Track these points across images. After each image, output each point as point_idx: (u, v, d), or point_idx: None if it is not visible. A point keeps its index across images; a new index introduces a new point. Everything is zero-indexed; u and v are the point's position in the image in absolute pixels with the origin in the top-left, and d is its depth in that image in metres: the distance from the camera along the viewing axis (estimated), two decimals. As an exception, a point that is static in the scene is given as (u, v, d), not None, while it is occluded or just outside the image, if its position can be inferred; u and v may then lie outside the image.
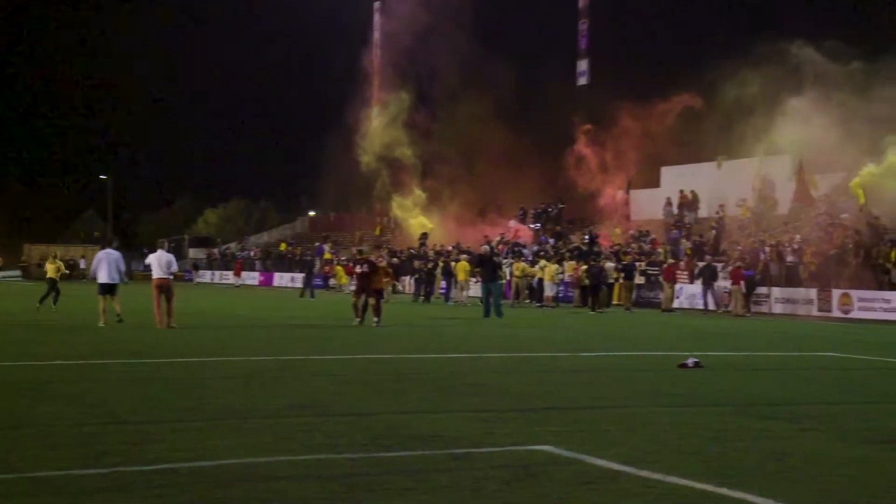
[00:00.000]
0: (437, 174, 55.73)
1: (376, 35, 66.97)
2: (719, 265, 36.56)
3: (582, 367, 15.13)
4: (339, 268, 49.74)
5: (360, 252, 26.43)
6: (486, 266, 30.34)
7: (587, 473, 7.37)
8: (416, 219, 54.71)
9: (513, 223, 52.25)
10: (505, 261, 39.69)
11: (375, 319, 23.25)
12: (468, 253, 43.31)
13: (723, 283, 35.59)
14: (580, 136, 51.11)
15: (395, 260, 51.12)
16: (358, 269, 24.69)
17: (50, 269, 29.03)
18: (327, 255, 58.23)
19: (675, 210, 47.25)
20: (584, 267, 37.23)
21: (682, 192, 47.55)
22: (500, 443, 8.45)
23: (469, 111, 52.14)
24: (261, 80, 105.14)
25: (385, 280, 25.06)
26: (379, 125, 57.01)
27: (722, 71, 40.33)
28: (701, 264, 36.62)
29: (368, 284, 23.77)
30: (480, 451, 8.09)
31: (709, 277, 35.47)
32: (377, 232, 64.50)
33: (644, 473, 7.27)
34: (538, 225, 50.92)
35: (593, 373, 14.42)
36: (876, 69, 34.44)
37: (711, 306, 34.99)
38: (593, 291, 35.54)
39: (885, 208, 35.80)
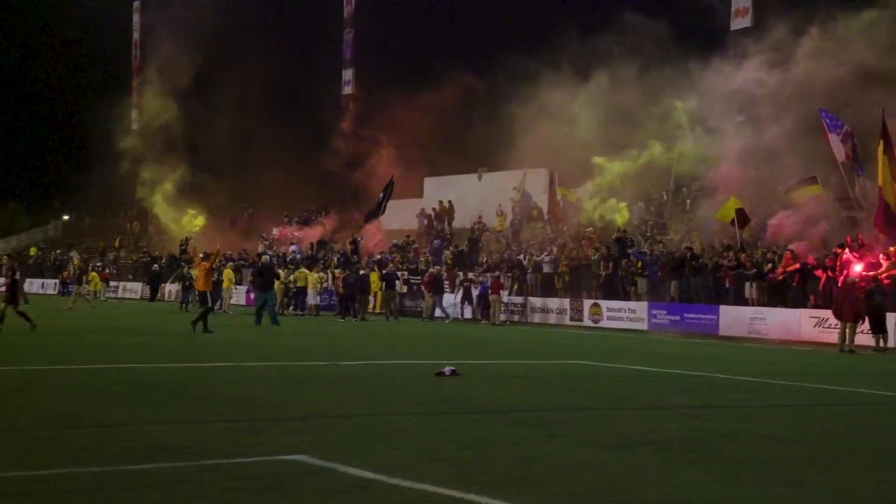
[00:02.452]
0: (204, 164, 54.37)
1: (136, 35, 65.59)
2: (480, 274, 37.53)
3: (340, 376, 15.14)
4: (94, 274, 47.94)
5: (9, 258, 26.38)
6: (265, 275, 30.25)
7: (339, 482, 7.38)
8: (184, 218, 53.10)
9: (277, 230, 51.85)
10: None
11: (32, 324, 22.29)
12: (232, 260, 42.70)
13: (450, 296, 36.97)
14: (343, 129, 51.40)
15: (155, 266, 49.79)
16: (6, 278, 24.49)
17: None
18: (76, 262, 56.23)
19: (426, 220, 48.35)
20: (342, 275, 37.56)
21: (440, 202, 48.66)
22: (252, 453, 8.33)
23: (233, 109, 51.26)
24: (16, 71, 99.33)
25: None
26: (143, 98, 55.37)
27: (491, 83, 41.41)
28: (432, 273, 37.62)
29: (15, 293, 23.16)
30: (232, 462, 7.96)
31: (438, 289, 36.52)
32: (116, 244, 62.42)
33: (395, 481, 7.34)
34: (302, 232, 50.71)
35: (351, 381, 14.46)
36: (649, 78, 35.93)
37: (441, 314, 36.05)
38: (349, 300, 35.96)
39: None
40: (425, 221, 48.38)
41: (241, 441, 8.86)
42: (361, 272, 37.04)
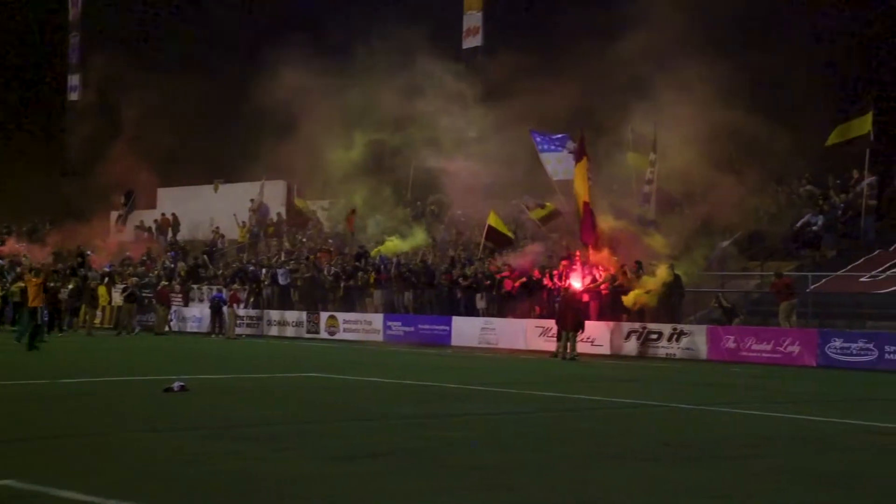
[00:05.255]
0: None
1: None
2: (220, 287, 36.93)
3: (60, 395, 14.48)
4: None
5: None
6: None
7: (51, 507, 7.11)
8: None
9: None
10: None
11: None
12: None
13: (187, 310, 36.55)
14: (72, 138, 49.32)
15: None
16: None
17: None
18: None
19: (145, 233, 47.35)
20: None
21: (163, 214, 47.74)
22: (-43, 480, 7.87)
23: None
24: None
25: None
26: None
27: (228, 89, 40.67)
28: (121, 287, 36.85)
29: None
30: (-67, 491, 7.50)
31: (132, 300, 35.84)
32: None
33: (112, 502, 7.12)
34: (23, 244, 48.07)
35: (72, 400, 13.86)
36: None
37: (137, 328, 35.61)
38: (55, 313, 34.95)
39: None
40: (145, 234, 47.26)
41: (-56, 467, 8.36)
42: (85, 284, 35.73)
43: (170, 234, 47.26)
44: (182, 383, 14.60)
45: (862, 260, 28.40)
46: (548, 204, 33.15)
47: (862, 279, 27.20)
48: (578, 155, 29.59)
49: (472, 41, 40.90)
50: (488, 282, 31.35)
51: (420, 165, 38.34)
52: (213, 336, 34.65)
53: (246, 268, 38.74)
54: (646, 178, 31.92)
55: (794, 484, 8.49)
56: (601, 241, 29.01)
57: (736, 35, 31.50)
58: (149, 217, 49.73)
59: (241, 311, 35.76)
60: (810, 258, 29.94)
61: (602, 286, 28.42)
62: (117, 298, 37.05)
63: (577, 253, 29.32)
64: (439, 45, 36.73)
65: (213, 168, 47.02)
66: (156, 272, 40.08)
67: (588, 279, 28.43)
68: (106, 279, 38.40)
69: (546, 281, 29.60)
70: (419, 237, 37.01)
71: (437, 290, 32.92)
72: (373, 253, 35.83)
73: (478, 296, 31.47)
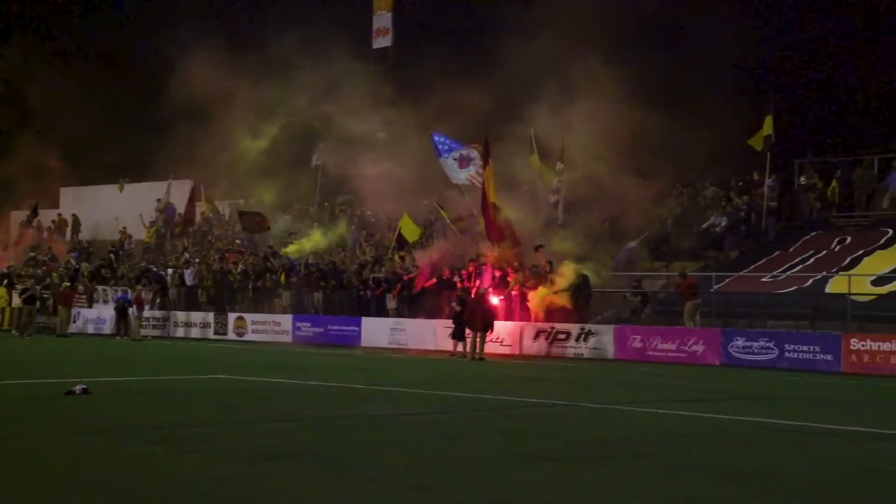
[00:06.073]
0: None
1: None
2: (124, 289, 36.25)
3: (-42, 399, 14.07)
4: None
5: None
6: None
7: (-55, 514, 6.87)
8: None
9: None
10: None
11: None
12: None
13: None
14: None
15: None
16: None
17: None
18: None
19: (45, 233, 46.44)
20: None
21: (59, 214, 46.80)
22: None
23: None
24: None
25: None
26: None
27: (132, 85, 39.91)
28: (20, 288, 36.07)
29: None
30: None
31: (31, 301, 34.96)
32: None
33: (10, 509, 6.94)
34: None
35: (-30, 404, 13.48)
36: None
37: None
38: None
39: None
40: (44, 234, 46.25)
41: None
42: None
43: (69, 234, 46.25)
44: (84, 386, 14.27)
45: (763, 260, 29.03)
46: (462, 216, 33.29)
47: (763, 279, 27.80)
48: (484, 159, 29.83)
49: (381, 41, 40.85)
50: (399, 284, 31.26)
51: (329, 165, 38.13)
52: (117, 338, 33.99)
53: (151, 268, 38.11)
54: (553, 187, 32.26)
55: (706, 481, 8.60)
56: (508, 240, 29.20)
57: (639, 39, 31.98)
58: (47, 217, 48.58)
59: (147, 313, 35.13)
60: (714, 259, 30.53)
61: (513, 289, 28.58)
62: (17, 300, 36.13)
63: (487, 254, 29.45)
64: (351, 44, 36.65)
65: (119, 166, 46.21)
66: (57, 273, 39.17)
67: (498, 279, 28.57)
68: (4, 280, 37.41)
69: (459, 283, 29.66)
70: (340, 229, 36.73)
71: (346, 290, 32.77)
72: (289, 249, 35.50)
73: (388, 296, 31.40)
